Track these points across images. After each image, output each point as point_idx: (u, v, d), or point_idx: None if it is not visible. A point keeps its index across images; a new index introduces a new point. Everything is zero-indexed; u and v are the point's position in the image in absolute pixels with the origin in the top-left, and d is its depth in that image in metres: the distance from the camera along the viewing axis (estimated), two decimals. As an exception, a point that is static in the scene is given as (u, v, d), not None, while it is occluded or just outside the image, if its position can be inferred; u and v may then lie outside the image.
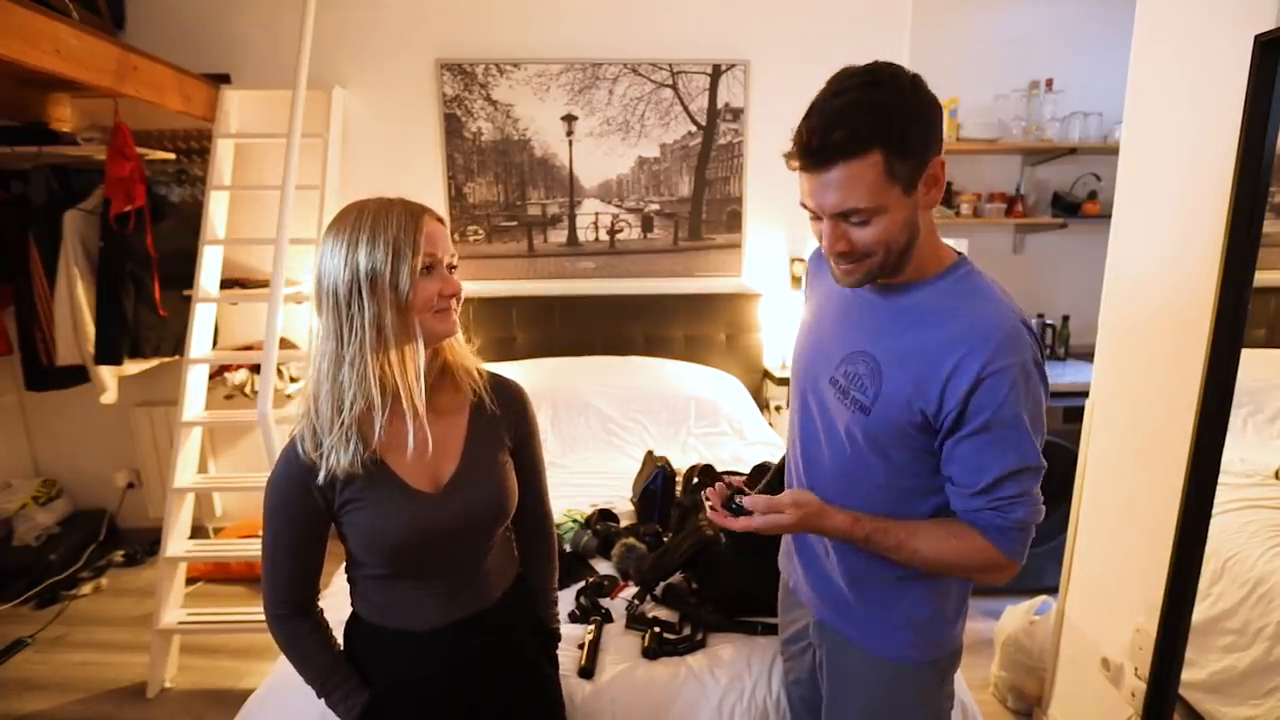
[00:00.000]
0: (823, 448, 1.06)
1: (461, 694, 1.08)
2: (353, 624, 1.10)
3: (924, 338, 0.92)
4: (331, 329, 0.93)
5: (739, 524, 0.95)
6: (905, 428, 0.94)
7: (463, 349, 1.08)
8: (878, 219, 0.86)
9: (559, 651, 1.30)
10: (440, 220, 0.99)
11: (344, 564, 1.09)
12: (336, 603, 1.14)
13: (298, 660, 1.05)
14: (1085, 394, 1.84)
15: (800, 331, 1.16)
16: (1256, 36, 1.25)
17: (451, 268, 0.99)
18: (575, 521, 1.98)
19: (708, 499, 0.99)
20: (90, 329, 2.61)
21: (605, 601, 1.65)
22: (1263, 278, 1.32)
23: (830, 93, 0.85)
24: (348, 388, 0.92)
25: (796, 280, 3.10)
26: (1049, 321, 3.04)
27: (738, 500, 0.97)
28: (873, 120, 0.82)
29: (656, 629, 1.51)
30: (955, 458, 0.92)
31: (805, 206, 0.91)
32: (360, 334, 0.92)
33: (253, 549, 2.45)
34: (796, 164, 0.88)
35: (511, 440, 1.12)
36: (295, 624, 1.03)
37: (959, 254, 0.99)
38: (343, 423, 0.93)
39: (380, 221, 0.92)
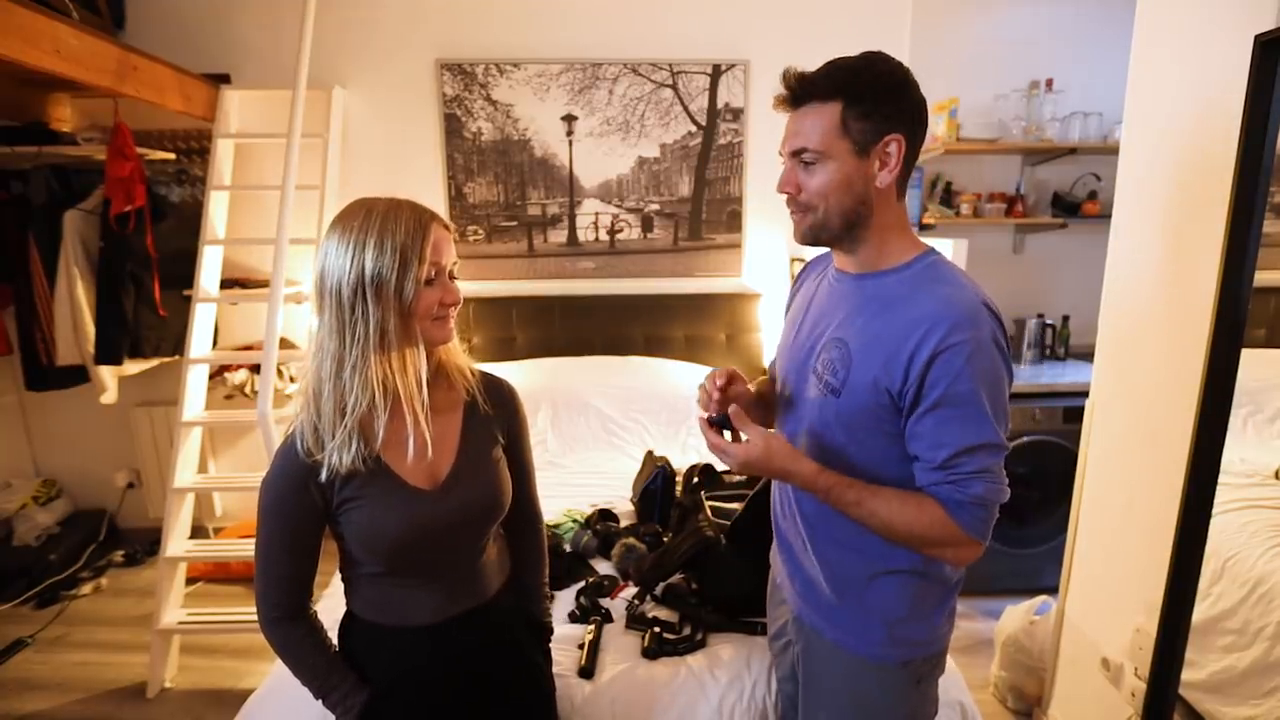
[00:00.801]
0: (800, 438, 1.08)
1: (458, 689, 1.08)
2: (348, 622, 1.10)
3: (890, 320, 0.96)
4: (334, 329, 0.93)
5: (714, 439, 1.02)
6: (875, 409, 0.97)
7: (455, 348, 1.09)
8: (823, 164, 0.95)
9: (557, 650, 1.31)
10: (447, 227, 0.99)
11: (339, 564, 1.09)
12: (332, 604, 1.13)
13: (294, 663, 1.05)
14: (1085, 394, 1.84)
15: (784, 335, 1.21)
16: (1256, 36, 1.25)
17: (452, 275, 1.00)
18: (575, 521, 1.98)
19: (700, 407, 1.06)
20: (90, 329, 2.62)
21: (605, 601, 1.65)
22: (1263, 278, 1.32)
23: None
24: (350, 390, 0.93)
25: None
26: (1049, 321, 3.04)
27: (720, 416, 1.03)
28: (842, 76, 0.94)
29: (656, 629, 1.51)
30: (916, 434, 0.95)
31: (781, 155, 1.01)
32: (363, 337, 0.92)
33: (252, 549, 2.45)
34: (781, 107, 1.00)
35: (504, 437, 1.13)
36: (290, 627, 1.03)
37: (929, 247, 1.04)
38: (346, 425, 0.93)
39: (389, 226, 0.92)
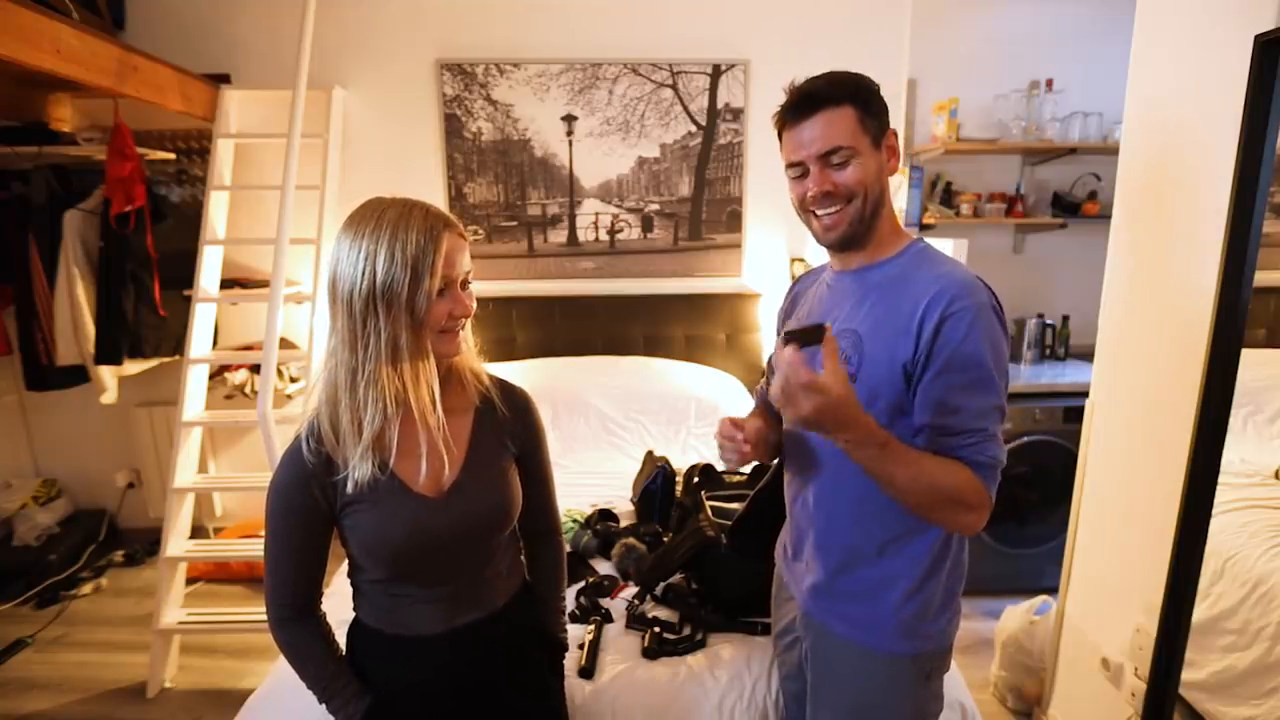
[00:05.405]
0: (815, 435, 1.07)
1: (461, 701, 1.07)
2: (354, 628, 1.09)
3: (894, 300, 1.02)
4: (346, 338, 0.92)
5: (798, 365, 0.86)
6: (890, 385, 1.00)
7: (469, 351, 1.07)
8: (855, 161, 1.00)
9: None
10: (461, 234, 0.97)
11: (345, 566, 1.08)
12: (337, 604, 1.13)
13: (299, 664, 1.04)
14: (1085, 394, 1.84)
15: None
16: (1256, 36, 1.25)
17: (465, 283, 0.99)
18: (575, 521, 1.98)
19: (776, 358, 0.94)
20: (90, 329, 2.61)
21: (605, 601, 1.65)
22: (1263, 278, 1.32)
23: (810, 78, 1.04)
24: (365, 404, 0.92)
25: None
26: (1049, 321, 3.04)
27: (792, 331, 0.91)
28: (847, 83, 1.01)
29: (656, 629, 1.51)
30: (926, 402, 0.97)
31: (791, 166, 1.05)
32: (375, 348, 0.91)
33: (253, 549, 2.45)
34: (783, 122, 1.04)
35: (516, 448, 1.11)
36: (298, 628, 1.02)
37: (916, 235, 1.11)
38: (364, 441, 0.93)
39: (399, 234, 0.90)
